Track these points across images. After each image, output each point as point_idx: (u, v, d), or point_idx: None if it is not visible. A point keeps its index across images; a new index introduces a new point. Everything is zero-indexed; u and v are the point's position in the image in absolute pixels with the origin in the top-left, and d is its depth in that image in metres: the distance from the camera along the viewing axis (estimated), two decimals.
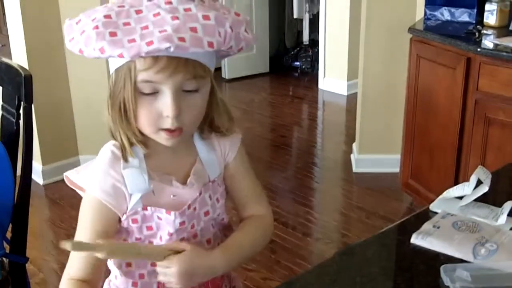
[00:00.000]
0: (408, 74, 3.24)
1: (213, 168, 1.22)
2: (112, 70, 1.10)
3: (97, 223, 1.14)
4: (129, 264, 1.20)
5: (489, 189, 1.34)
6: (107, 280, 1.27)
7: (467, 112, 2.84)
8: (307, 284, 1.08)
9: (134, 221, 1.16)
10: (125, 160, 1.13)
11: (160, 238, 1.17)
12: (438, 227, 1.26)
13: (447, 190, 1.38)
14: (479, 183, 1.35)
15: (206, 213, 1.20)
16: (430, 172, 3.16)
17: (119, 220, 1.16)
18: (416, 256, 1.20)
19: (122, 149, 1.14)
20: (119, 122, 1.11)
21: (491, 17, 3.10)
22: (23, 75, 1.91)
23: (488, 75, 2.71)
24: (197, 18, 1.00)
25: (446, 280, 1.09)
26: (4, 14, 5.29)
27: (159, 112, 1.06)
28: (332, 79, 5.45)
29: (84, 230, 1.15)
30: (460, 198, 1.37)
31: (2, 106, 2.11)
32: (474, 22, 3.17)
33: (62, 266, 2.82)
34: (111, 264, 1.22)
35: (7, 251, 2.02)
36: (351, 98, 5.06)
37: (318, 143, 4.63)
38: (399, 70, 3.46)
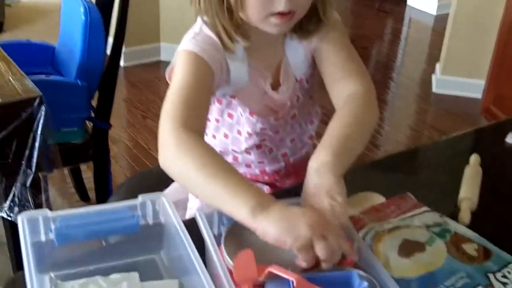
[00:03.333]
0: None
1: (301, 67, 1.16)
2: None
3: (195, 75, 1.00)
4: None
5: None
6: None
7: None
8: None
9: (219, 101, 1.13)
10: (228, 50, 1.05)
11: (239, 132, 1.15)
12: None
13: None
14: None
15: (293, 116, 1.17)
16: None
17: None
18: (509, 155, 1.18)
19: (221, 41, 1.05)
20: (219, 13, 1.02)
21: None
22: None
23: None
24: None
25: None
26: None
27: None
28: None
29: (180, 100, 0.97)
30: None
31: None
32: None
33: (136, 143, 2.95)
34: None
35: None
36: (440, 18, 4.87)
37: (398, 58, 4.52)
38: None
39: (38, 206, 1.62)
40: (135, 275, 0.76)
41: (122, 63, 3.81)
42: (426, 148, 1.27)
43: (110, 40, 2.06)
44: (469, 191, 1.00)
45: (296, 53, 1.14)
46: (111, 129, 2.20)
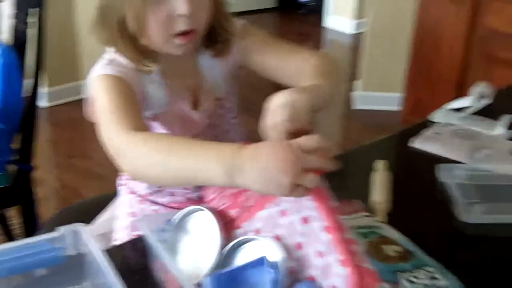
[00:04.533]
0: (416, 10, 3.24)
1: (219, 85, 1.17)
2: None
3: (120, 93, 0.99)
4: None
5: (490, 105, 1.38)
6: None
7: (471, 49, 2.86)
8: None
9: None
10: (144, 73, 1.05)
11: None
12: (438, 133, 1.31)
13: (447, 103, 1.42)
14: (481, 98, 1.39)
15: (216, 137, 1.18)
16: (430, 107, 3.18)
17: None
18: (415, 158, 1.25)
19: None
20: (122, 43, 1.03)
21: None
22: None
23: (495, 12, 2.72)
24: None
25: (442, 176, 1.15)
26: None
27: (170, 13, 0.99)
28: (339, 17, 5.43)
29: (113, 112, 0.95)
30: (460, 111, 1.41)
31: (13, 14, 2.12)
32: None
33: (63, 184, 2.91)
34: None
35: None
36: (356, 37, 5.04)
37: None
38: (409, 7, 3.45)
39: None
40: None
41: (46, 103, 3.77)
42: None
43: (28, 81, 2.05)
44: (381, 194, 1.05)
45: (214, 72, 1.16)
46: (37, 170, 2.17)
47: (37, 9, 1.94)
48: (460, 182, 1.13)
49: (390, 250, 0.92)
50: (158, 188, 1.18)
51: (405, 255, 0.91)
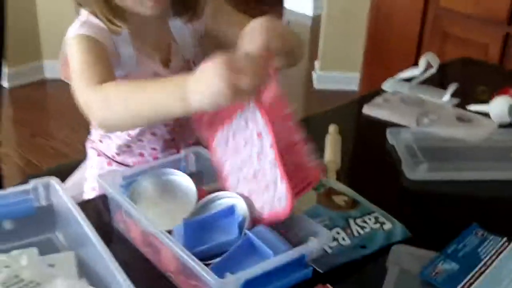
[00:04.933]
0: None
1: (188, 47, 1.24)
2: None
3: (93, 51, 1.05)
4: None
5: (438, 75, 1.47)
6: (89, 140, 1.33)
7: (425, 27, 2.96)
8: None
9: None
10: (114, 33, 1.10)
11: None
12: (388, 101, 1.39)
13: (398, 74, 1.50)
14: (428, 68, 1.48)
15: None
16: None
17: None
18: (366, 123, 1.33)
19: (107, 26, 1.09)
20: (94, 2, 1.08)
21: None
22: None
23: None
24: None
25: (391, 139, 1.23)
26: None
27: None
28: None
29: (84, 70, 1.02)
30: (410, 81, 1.50)
31: None
32: None
33: (27, 162, 2.92)
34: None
35: None
36: (316, 19, 5.12)
37: None
38: None
39: None
40: (34, 249, 0.83)
41: (6, 84, 3.74)
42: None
43: None
44: (331, 154, 1.13)
45: (183, 34, 1.22)
46: (1, 148, 2.19)
47: None
48: (407, 144, 1.21)
49: (340, 200, 0.99)
50: (126, 148, 1.24)
51: (353, 204, 0.99)
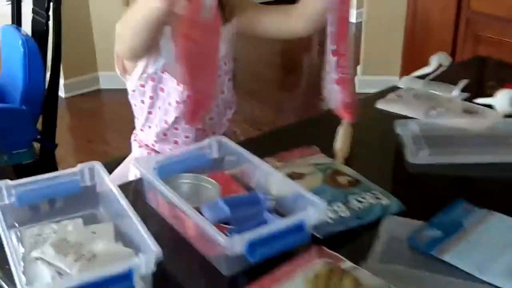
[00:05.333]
0: None
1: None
2: None
3: None
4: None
5: (451, 72, 1.58)
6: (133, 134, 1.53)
7: (459, 31, 3.05)
8: None
9: (152, 79, 1.38)
10: None
11: (170, 103, 1.39)
12: (400, 96, 1.52)
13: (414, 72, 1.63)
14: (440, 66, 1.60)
15: None
16: None
17: None
18: (379, 116, 1.46)
19: None
20: None
21: None
22: None
23: None
24: None
25: (399, 130, 1.36)
26: None
27: None
28: None
29: None
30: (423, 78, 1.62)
31: (33, 9, 2.36)
32: None
33: None
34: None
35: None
36: (359, 26, 5.23)
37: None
38: None
39: None
40: (79, 220, 1.00)
41: (63, 94, 3.97)
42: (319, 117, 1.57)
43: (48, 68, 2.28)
44: (341, 143, 1.26)
45: None
46: (58, 153, 2.40)
47: (54, 3, 2.17)
48: (413, 133, 1.34)
49: (343, 180, 1.13)
50: (163, 136, 1.43)
51: (355, 183, 1.13)
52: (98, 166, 1.07)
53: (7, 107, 2.26)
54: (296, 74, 4.71)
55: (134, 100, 1.45)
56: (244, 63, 4.54)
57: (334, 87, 1.22)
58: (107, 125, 3.77)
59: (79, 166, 1.06)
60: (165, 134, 1.43)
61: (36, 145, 2.35)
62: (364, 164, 1.23)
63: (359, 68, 4.17)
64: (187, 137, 1.43)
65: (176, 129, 1.42)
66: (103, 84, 4.11)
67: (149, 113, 1.43)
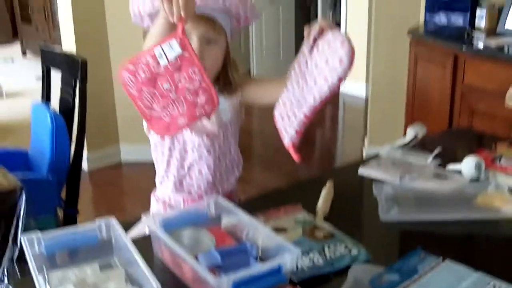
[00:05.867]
0: (408, 72, 3.68)
1: (226, 112, 1.65)
2: None
3: None
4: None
5: (431, 140, 1.79)
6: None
7: (455, 103, 3.26)
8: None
9: None
10: None
11: (186, 150, 1.65)
12: (380, 163, 1.73)
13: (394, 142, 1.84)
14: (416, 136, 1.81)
15: (219, 146, 1.67)
16: None
17: None
18: (359, 180, 1.67)
19: None
20: None
21: (481, 21, 3.50)
22: (79, 61, 2.42)
23: (472, 70, 3.13)
24: None
25: (375, 192, 1.56)
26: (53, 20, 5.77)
27: None
28: (353, 82, 5.90)
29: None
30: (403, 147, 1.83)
31: (61, 88, 2.63)
32: (467, 25, 3.55)
33: None
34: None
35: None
36: (366, 100, 5.50)
37: (339, 140, 5.11)
38: (403, 72, 3.88)
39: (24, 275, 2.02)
40: (96, 266, 1.21)
41: (85, 167, 4.21)
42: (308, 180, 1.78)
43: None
44: (322, 202, 1.47)
45: (223, 103, 1.62)
46: (79, 220, 2.61)
47: (80, 83, 2.44)
48: (386, 195, 1.54)
49: (320, 233, 1.33)
50: (179, 186, 1.67)
51: (330, 236, 1.33)
52: (113, 221, 1.28)
53: (36, 177, 2.49)
54: (308, 146, 4.96)
55: (156, 154, 1.70)
56: (257, 134, 4.80)
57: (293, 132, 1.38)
58: (127, 196, 3.99)
59: (97, 221, 1.27)
60: (181, 184, 1.67)
61: (60, 212, 2.57)
62: (341, 220, 1.42)
63: (366, 139, 4.39)
64: (199, 187, 1.67)
65: (191, 178, 1.66)
66: (125, 157, 4.35)
67: (168, 163, 1.67)
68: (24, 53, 8.29)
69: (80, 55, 2.50)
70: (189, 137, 1.63)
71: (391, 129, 4.14)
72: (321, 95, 1.29)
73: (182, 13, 1.28)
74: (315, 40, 1.33)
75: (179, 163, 1.66)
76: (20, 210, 2.03)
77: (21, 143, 3.42)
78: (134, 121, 4.38)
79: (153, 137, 1.67)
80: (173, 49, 1.30)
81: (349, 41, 1.27)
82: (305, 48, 1.37)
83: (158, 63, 1.31)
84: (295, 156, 1.37)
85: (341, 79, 1.26)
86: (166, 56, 1.30)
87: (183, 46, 1.30)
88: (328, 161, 4.57)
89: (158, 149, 1.69)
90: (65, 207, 2.55)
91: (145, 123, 1.62)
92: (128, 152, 4.34)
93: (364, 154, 4.37)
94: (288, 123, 1.37)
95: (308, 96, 1.32)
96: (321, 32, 1.33)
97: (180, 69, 1.32)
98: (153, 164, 1.71)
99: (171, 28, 1.34)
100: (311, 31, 1.35)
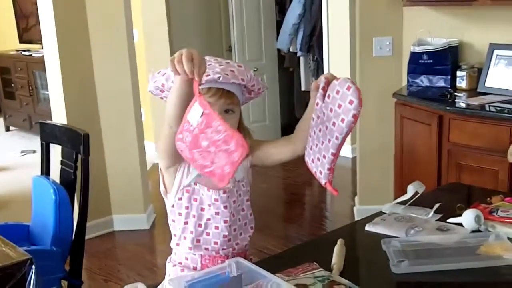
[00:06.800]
0: (394, 132, 3.80)
1: (238, 173, 1.75)
2: None
3: None
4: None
5: (427, 196, 1.88)
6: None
7: (442, 160, 3.37)
8: None
9: (187, 191, 1.72)
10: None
11: (202, 209, 1.73)
12: (384, 220, 1.81)
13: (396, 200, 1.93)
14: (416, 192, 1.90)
15: (234, 201, 1.75)
16: None
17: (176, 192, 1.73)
18: (367, 237, 1.74)
19: None
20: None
21: (462, 82, 3.66)
22: (82, 134, 2.49)
23: (456, 129, 3.26)
24: (234, 65, 1.67)
25: (384, 247, 1.63)
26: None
27: None
28: None
29: None
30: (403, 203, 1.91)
31: (61, 161, 2.68)
32: (449, 86, 3.69)
33: None
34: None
35: None
36: (355, 160, 5.59)
37: (327, 199, 5.18)
38: (391, 132, 3.99)
39: None
40: None
41: None
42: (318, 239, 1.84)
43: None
44: (336, 259, 1.54)
45: None
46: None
47: (82, 155, 2.50)
48: (394, 249, 1.61)
49: (339, 287, 1.39)
50: (197, 243, 1.74)
51: None
52: (141, 285, 1.34)
53: (40, 249, 2.52)
54: (299, 206, 5.03)
55: (173, 216, 1.76)
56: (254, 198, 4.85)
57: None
58: (121, 264, 3.99)
59: (125, 287, 1.33)
60: (198, 241, 1.73)
61: (64, 283, 2.58)
62: (356, 275, 1.49)
63: (356, 199, 4.47)
64: (216, 243, 1.73)
65: (208, 234, 1.73)
66: (117, 226, 4.36)
67: (185, 223, 1.74)
68: (7, 128, 8.35)
69: (81, 129, 2.56)
70: (206, 193, 1.71)
71: (381, 187, 4.22)
72: (342, 134, 1.45)
73: (195, 74, 1.41)
74: (324, 90, 1.48)
75: (196, 220, 1.73)
76: (30, 280, 2.06)
77: (10, 216, 3.45)
78: (126, 193, 4.46)
79: (170, 199, 1.74)
80: (196, 110, 1.42)
81: (353, 83, 1.43)
82: (317, 99, 1.52)
83: (192, 125, 1.44)
84: (333, 192, 1.50)
85: (355, 116, 1.42)
86: (195, 118, 1.43)
87: (202, 105, 1.42)
88: (320, 220, 4.62)
89: (175, 211, 1.75)
90: (69, 278, 2.57)
91: (162, 187, 1.75)
92: (120, 223, 4.35)
93: (355, 213, 4.44)
94: (320, 164, 1.50)
95: (330, 137, 1.46)
96: (327, 83, 1.49)
97: (208, 126, 1.42)
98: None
99: (187, 84, 1.47)
100: (318, 84, 1.52)
